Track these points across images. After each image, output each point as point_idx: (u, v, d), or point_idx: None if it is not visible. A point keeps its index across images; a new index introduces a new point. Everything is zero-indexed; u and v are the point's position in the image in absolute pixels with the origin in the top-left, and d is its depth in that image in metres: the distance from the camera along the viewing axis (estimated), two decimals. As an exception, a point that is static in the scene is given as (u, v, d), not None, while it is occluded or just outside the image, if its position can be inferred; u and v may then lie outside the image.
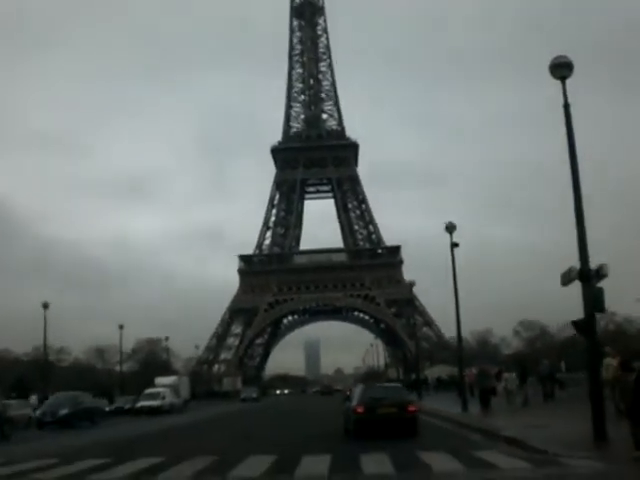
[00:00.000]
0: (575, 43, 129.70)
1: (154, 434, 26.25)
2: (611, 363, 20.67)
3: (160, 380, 63.15)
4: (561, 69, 14.74)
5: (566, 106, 14.85)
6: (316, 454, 14.78)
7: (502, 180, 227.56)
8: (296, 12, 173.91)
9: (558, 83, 14.92)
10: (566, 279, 15.02)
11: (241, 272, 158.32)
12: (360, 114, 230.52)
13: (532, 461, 12.16)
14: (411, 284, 60.00)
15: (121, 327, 67.62)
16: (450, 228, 30.23)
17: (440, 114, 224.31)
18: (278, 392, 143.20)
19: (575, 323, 14.80)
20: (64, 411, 33.34)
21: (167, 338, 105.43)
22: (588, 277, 14.38)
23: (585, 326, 14.55)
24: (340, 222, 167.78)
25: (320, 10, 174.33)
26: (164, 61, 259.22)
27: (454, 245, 30.34)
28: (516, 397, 31.30)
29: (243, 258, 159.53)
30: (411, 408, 19.24)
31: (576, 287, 14.79)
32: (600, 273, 14.58)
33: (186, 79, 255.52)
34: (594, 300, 14.30)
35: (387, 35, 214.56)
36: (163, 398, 47.72)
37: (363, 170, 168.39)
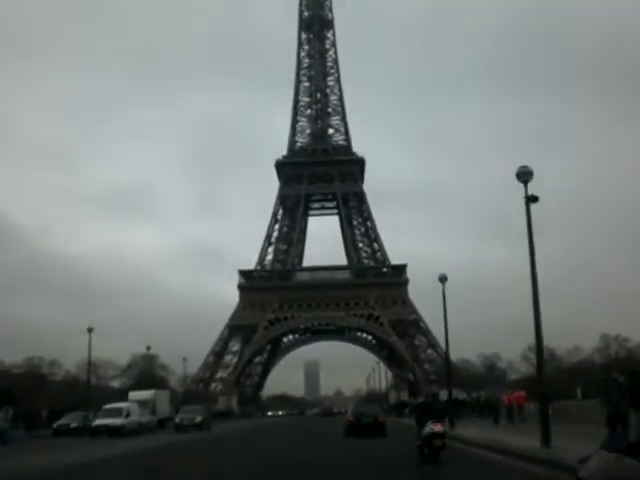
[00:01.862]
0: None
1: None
2: None
3: (134, 394, 55.57)
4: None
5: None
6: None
7: (501, 202, 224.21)
8: (305, 25, 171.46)
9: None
10: None
11: (241, 288, 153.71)
12: (364, 130, 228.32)
13: None
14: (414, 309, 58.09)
15: (90, 330, 57.27)
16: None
17: (439, 133, 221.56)
18: (270, 413, 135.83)
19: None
20: None
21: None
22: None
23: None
24: (344, 239, 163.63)
25: (329, 23, 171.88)
26: (161, 74, 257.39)
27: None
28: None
29: (243, 273, 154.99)
30: (381, 419, 32.70)
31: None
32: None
33: (185, 94, 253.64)
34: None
35: (391, 55, 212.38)
36: (127, 416, 39.81)
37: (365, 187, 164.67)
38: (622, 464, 4.70)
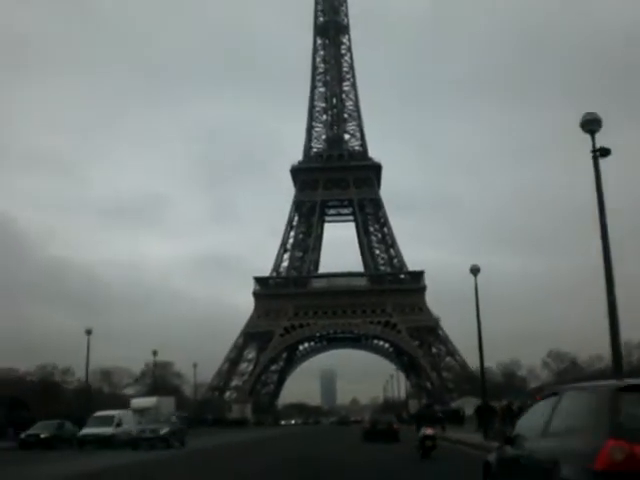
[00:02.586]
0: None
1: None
2: None
3: (136, 402, 53.64)
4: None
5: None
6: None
7: (517, 211, 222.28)
8: (320, 30, 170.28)
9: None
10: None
11: (256, 295, 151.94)
12: (380, 135, 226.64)
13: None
14: (436, 319, 57.80)
15: (89, 332, 51.27)
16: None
17: (446, 142, 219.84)
18: (284, 422, 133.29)
19: None
20: None
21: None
22: None
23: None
24: (361, 245, 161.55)
25: (345, 29, 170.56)
26: (170, 82, 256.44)
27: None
28: None
29: (259, 280, 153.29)
30: (395, 426, 36.48)
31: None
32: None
33: (196, 102, 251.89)
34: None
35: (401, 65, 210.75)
36: (118, 425, 35.31)
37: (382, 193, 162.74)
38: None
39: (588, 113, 16.79)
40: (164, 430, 34.32)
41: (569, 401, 7.03)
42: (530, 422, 7.78)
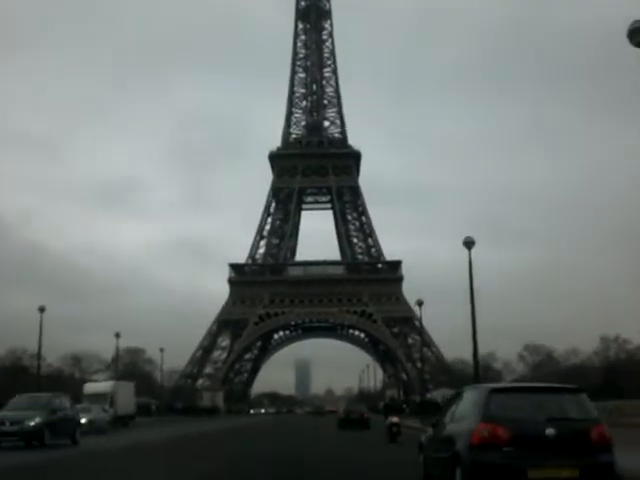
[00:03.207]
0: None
1: None
2: None
3: (89, 386, 49.21)
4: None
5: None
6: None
7: (496, 202, 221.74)
8: (301, 15, 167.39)
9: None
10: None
11: (231, 282, 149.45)
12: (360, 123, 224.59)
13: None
14: (419, 302, 53.54)
15: (42, 310, 47.55)
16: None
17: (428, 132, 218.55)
18: (253, 411, 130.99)
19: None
20: None
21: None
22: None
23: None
24: (338, 234, 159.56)
25: (327, 14, 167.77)
26: (148, 66, 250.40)
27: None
28: None
29: (234, 267, 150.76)
30: (366, 415, 40.64)
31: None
32: None
33: (172, 86, 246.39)
34: None
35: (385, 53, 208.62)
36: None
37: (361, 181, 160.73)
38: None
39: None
40: (33, 421, 22.90)
41: (465, 397, 10.24)
42: (446, 412, 10.86)
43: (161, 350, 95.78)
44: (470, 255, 29.77)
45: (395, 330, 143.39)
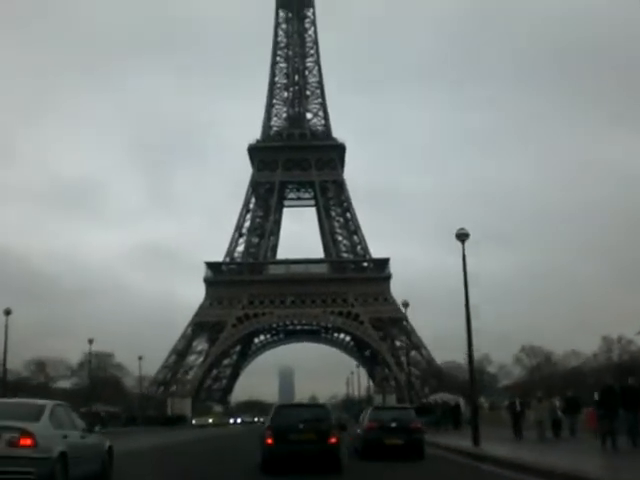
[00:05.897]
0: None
1: None
2: None
3: None
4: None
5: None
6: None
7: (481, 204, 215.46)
8: (283, 2, 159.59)
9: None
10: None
11: (208, 282, 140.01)
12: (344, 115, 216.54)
13: None
14: (405, 304, 51.23)
15: (7, 313, 47.16)
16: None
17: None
18: (195, 422, 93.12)
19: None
20: None
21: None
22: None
23: None
24: (322, 231, 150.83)
25: (309, 2, 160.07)
26: (107, 59, 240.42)
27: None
28: None
29: (211, 266, 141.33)
30: (343, 421, 39.97)
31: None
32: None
33: (137, 80, 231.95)
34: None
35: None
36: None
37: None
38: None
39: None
40: None
41: (365, 412, 25.28)
42: (362, 419, 24.24)
43: (139, 358, 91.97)
44: (464, 248, 27.14)
45: (382, 333, 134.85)
